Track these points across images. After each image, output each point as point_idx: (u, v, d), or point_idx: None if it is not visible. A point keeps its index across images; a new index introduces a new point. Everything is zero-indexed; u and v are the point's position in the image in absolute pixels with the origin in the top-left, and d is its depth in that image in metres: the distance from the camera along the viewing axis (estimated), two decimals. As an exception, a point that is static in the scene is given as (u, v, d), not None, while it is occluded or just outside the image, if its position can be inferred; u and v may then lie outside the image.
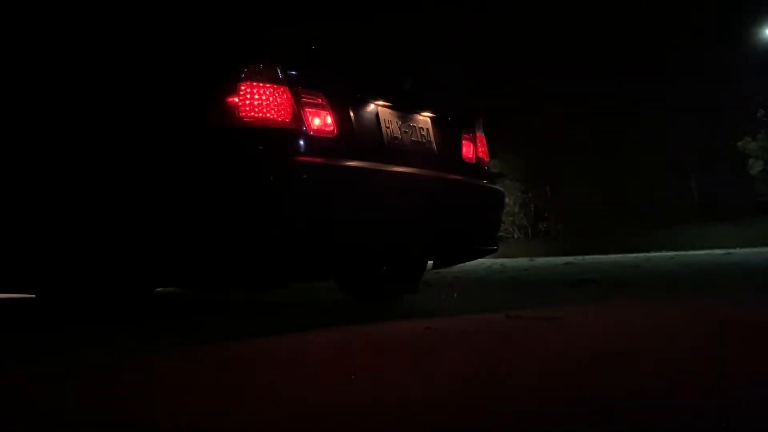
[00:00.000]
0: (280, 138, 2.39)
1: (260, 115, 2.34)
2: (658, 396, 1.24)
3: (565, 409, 1.17)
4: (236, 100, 2.33)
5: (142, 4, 2.99)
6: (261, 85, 2.35)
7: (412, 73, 3.17)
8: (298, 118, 2.43)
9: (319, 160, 2.46)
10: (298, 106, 2.43)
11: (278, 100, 2.38)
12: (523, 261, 13.94)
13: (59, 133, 2.71)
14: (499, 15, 26.47)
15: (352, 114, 2.66)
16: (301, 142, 2.44)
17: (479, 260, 4.31)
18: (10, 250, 2.87)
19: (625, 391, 1.28)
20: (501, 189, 3.59)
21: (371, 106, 2.78)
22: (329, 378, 1.52)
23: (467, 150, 3.28)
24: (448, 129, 3.18)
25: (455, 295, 4.02)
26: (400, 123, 2.88)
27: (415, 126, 2.96)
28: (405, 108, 2.93)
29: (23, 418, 1.25)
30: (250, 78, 2.35)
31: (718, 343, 1.83)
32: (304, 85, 2.47)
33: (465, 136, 3.29)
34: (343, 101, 2.64)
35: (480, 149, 3.37)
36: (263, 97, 2.35)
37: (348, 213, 2.52)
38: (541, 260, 14.06)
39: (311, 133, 2.47)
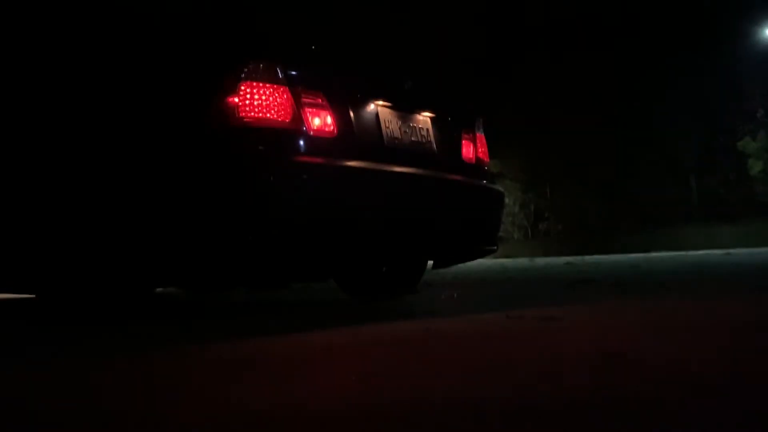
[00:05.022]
0: (280, 138, 2.39)
1: (260, 115, 2.34)
2: (656, 398, 1.24)
3: (563, 410, 1.17)
4: (236, 99, 2.33)
5: (143, 5, 2.99)
6: (261, 85, 2.35)
7: (412, 72, 3.17)
8: (298, 118, 2.43)
9: (318, 160, 2.46)
10: (298, 106, 2.43)
11: (278, 100, 2.38)
12: (523, 261, 13.94)
13: (59, 133, 2.71)
14: (498, 12, 26.48)
15: (352, 114, 2.66)
16: (301, 142, 2.44)
17: (479, 260, 4.30)
18: (10, 250, 2.87)
19: (625, 394, 1.28)
20: (501, 189, 3.59)
21: (371, 106, 2.78)
22: (328, 378, 1.52)
23: (467, 150, 3.28)
24: (448, 129, 3.18)
25: (455, 295, 4.02)
26: (400, 123, 2.88)
27: (415, 126, 2.97)
28: (405, 108, 2.93)
29: (18, 418, 1.25)
30: (250, 78, 2.35)
31: (718, 344, 1.83)
32: (304, 85, 2.48)
33: (465, 136, 3.29)
34: (343, 101, 2.64)
35: (480, 149, 3.37)
36: (263, 97, 2.35)
37: (348, 213, 2.53)
38: (541, 260, 14.06)
39: (311, 133, 2.47)
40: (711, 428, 1.05)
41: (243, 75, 2.34)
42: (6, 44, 3.08)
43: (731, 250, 13.39)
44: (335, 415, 1.18)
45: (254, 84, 2.35)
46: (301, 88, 2.46)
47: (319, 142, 2.49)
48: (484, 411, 1.18)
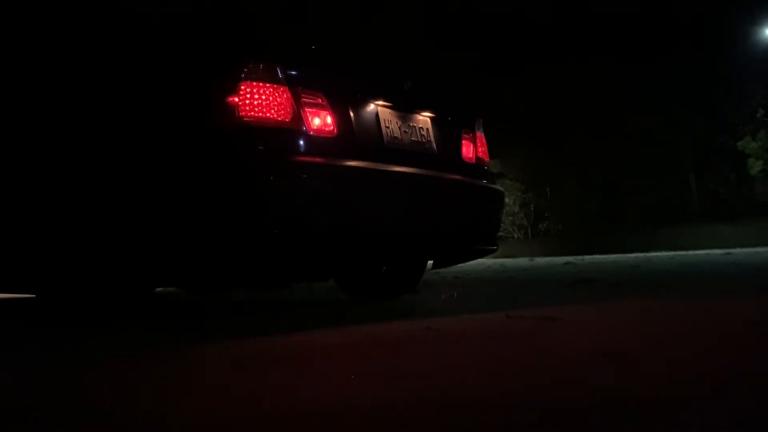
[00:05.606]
0: (280, 138, 2.39)
1: (260, 114, 2.34)
2: (656, 398, 1.24)
3: (563, 410, 1.17)
4: (236, 99, 2.33)
5: (143, 5, 3.00)
6: (261, 84, 2.36)
7: (412, 72, 3.17)
8: (298, 118, 2.43)
9: (318, 159, 2.46)
10: (298, 106, 2.43)
11: (278, 99, 2.38)
12: (523, 261, 13.94)
13: (60, 134, 2.72)
14: (498, 11, 26.48)
15: (352, 114, 2.67)
16: (301, 142, 2.44)
17: (479, 260, 4.30)
18: (10, 250, 2.87)
19: (625, 394, 1.28)
20: (501, 189, 3.59)
21: (371, 106, 2.78)
22: (328, 378, 1.52)
23: (467, 150, 3.28)
24: (448, 129, 3.18)
25: (455, 295, 4.02)
26: (400, 123, 2.88)
27: (415, 126, 2.97)
28: (405, 108, 2.93)
29: (18, 418, 1.25)
30: (250, 78, 2.35)
31: (719, 344, 1.83)
32: (304, 85, 2.48)
33: (465, 136, 3.29)
34: (343, 101, 2.64)
35: (480, 149, 3.37)
36: (263, 97, 2.35)
37: (348, 213, 2.53)
38: (541, 260, 14.06)
39: (311, 133, 2.47)
40: (711, 428, 1.05)
41: (243, 75, 2.34)
42: (7, 45, 3.08)
43: (731, 250, 13.39)
44: (335, 415, 1.18)
45: (254, 84, 2.35)
46: (301, 88, 2.46)
47: (319, 142, 2.49)
48: (483, 411, 1.18)
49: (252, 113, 2.33)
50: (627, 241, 21.45)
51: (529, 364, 1.61)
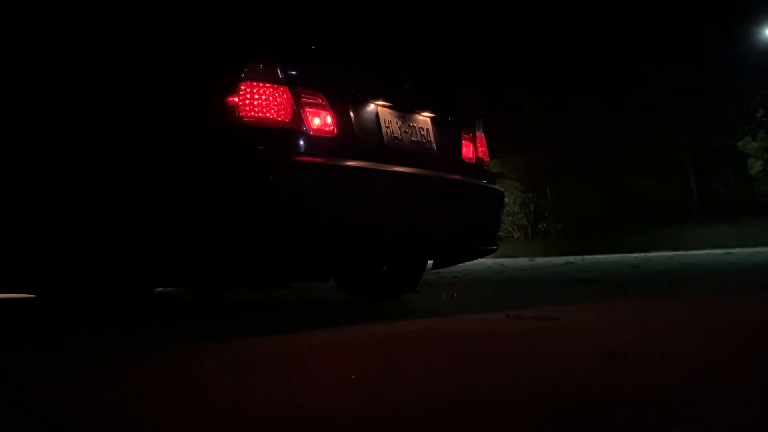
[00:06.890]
0: (280, 138, 2.39)
1: (260, 114, 2.34)
2: (656, 398, 1.24)
3: (563, 410, 1.17)
4: (236, 99, 2.33)
5: (143, 5, 3.00)
6: (261, 84, 2.36)
7: (412, 72, 3.17)
8: (298, 118, 2.43)
9: (318, 160, 2.46)
10: (298, 106, 2.43)
11: (278, 99, 2.38)
12: (523, 261, 13.93)
13: (60, 134, 2.72)
14: (496, 8, 26.50)
15: (352, 114, 2.67)
16: (301, 142, 2.44)
17: (479, 260, 4.30)
18: (10, 250, 2.87)
19: (625, 394, 1.28)
20: (501, 189, 3.59)
21: (371, 106, 2.78)
22: (328, 378, 1.52)
23: (467, 150, 3.28)
24: (448, 129, 3.18)
25: (455, 295, 4.02)
26: (400, 123, 2.88)
27: (415, 126, 2.97)
28: (405, 108, 2.94)
29: (18, 418, 1.25)
30: (250, 78, 2.35)
31: (719, 344, 1.83)
32: (304, 85, 2.48)
33: (465, 136, 3.29)
34: (343, 101, 2.64)
35: (480, 149, 3.37)
36: (263, 97, 2.35)
37: (348, 213, 2.53)
38: (541, 260, 14.06)
39: (311, 133, 2.47)
40: (711, 428, 1.05)
41: (243, 75, 2.34)
42: (6, 45, 3.08)
43: (731, 250, 13.39)
44: (335, 415, 1.18)
45: (254, 84, 2.35)
46: (301, 88, 2.46)
47: (319, 142, 2.49)
48: (483, 411, 1.18)
49: (252, 113, 2.33)
50: (627, 241, 21.47)
51: (529, 364, 1.61)
